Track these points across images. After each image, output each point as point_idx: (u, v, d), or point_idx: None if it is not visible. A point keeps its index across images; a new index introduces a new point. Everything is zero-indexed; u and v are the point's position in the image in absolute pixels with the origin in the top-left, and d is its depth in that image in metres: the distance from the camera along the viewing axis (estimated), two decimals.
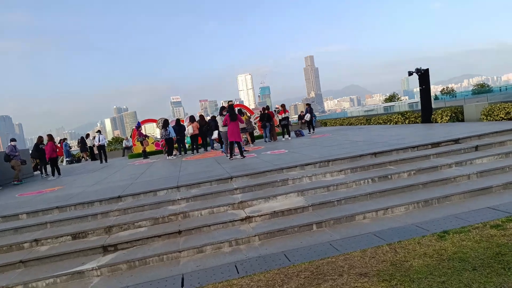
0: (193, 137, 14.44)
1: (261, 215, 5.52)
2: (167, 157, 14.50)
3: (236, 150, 11.26)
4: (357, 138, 11.70)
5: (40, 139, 13.39)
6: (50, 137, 11.53)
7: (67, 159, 19.73)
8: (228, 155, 10.85)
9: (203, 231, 5.32)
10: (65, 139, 21.86)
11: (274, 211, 5.56)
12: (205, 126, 14.41)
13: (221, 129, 10.78)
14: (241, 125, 10.71)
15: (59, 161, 19.08)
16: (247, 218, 5.48)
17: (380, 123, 18.37)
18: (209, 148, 15.05)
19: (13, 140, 11.61)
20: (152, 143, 18.37)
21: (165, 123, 13.81)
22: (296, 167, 7.25)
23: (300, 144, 12.07)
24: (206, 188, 6.66)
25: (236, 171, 7.52)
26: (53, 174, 11.82)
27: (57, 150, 11.79)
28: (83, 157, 20.79)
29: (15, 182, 11.06)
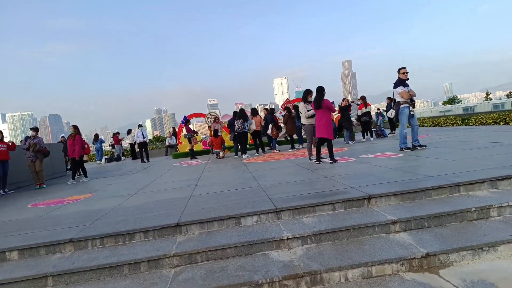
0: (254, 134, 11.57)
1: None
2: (217, 157, 11.81)
3: (324, 150, 8.17)
4: (494, 138, 8.12)
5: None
6: (76, 129, 9.07)
7: (106, 157, 17.82)
8: (313, 157, 7.80)
9: None
10: (117, 133, 19.96)
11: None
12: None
13: (304, 121, 7.77)
14: (309, 121, 7.60)
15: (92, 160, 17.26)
16: None
17: (488, 124, 14.30)
18: (266, 149, 12.03)
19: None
20: (200, 141, 15.84)
21: (242, 113, 11.08)
22: (482, 182, 4.01)
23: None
24: (329, 217, 3.65)
25: (361, 184, 4.44)
26: (73, 177, 9.17)
27: (86, 146, 9.37)
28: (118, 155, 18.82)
29: (36, 187, 8.80)
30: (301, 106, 7.77)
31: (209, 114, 16.36)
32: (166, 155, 18.39)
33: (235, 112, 12.03)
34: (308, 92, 7.78)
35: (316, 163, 7.24)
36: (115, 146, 18.95)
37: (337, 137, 12.30)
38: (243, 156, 11.20)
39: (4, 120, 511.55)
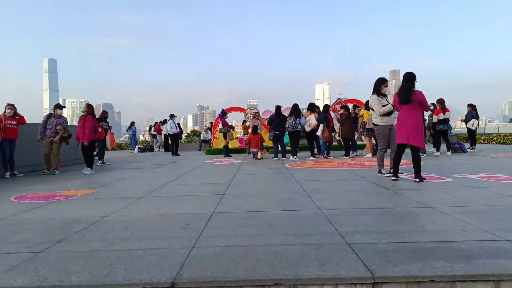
0: (310, 134, 9.64)
1: None
2: (254, 157, 10.09)
3: (406, 162, 6.09)
4: None
5: (104, 114, 10.14)
6: (90, 108, 7.64)
7: (139, 146, 16.90)
8: (385, 170, 5.74)
9: None
10: (162, 122, 17.05)
11: None
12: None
13: (377, 120, 5.72)
14: (383, 120, 5.51)
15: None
16: None
17: None
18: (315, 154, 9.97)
19: None
20: (237, 138, 14.23)
21: (296, 109, 9.48)
22: None
23: None
24: None
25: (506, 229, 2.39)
26: (89, 165, 7.48)
27: (100, 130, 7.99)
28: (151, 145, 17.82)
29: (46, 171, 7.63)
30: (373, 99, 5.71)
31: (249, 109, 14.72)
32: (200, 149, 17.07)
33: (277, 107, 10.21)
34: (382, 81, 5.71)
35: (393, 179, 5.17)
36: (157, 135, 18.02)
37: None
38: (292, 158, 9.47)
39: (64, 105, 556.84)
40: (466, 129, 11.81)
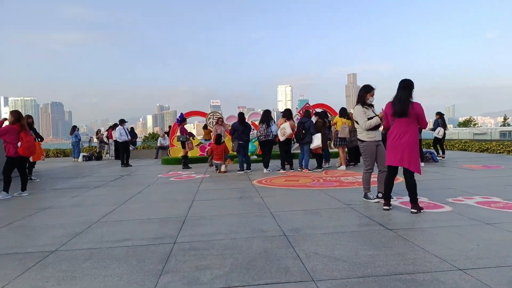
0: (284, 143, 8.68)
1: None
2: (217, 170, 8.98)
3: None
4: None
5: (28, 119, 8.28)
6: (16, 115, 5.97)
7: (84, 154, 14.82)
8: (371, 195, 4.89)
9: None
10: (114, 125, 14.28)
11: None
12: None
13: (362, 135, 4.81)
14: (370, 136, 4.75)
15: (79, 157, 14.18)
16: None
17: None
18: (286, 166, 9.01)
19: None
20: (197, 145, 12.87)
21: (267, 115, 8.80)
22: None
23: None
24: None
25: None
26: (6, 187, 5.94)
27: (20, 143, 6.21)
28: (98, 153, 15.78)
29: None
30: (358, 110, 4.80)
31: (211, 114, 13.43)
32: (156, 157, 15.42)
33: (240, 114, 9.15)
34: (367, 90, 4.82)
35: (385, 209, 4.30)
36: (109, 140, 15.89)
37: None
38: (265, 170, 8.53)
39: (6, 104, 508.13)
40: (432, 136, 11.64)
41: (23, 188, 6.14)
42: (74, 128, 14.89)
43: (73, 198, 5.80)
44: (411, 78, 4.10)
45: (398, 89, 4.12)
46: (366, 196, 4.91)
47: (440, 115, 11.28)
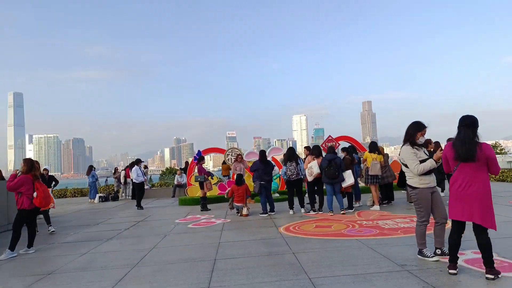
0: (315, 182, 7.97)
1: None
2: (238, 213, 8.33)
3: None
4: None
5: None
6: (30, 163, 5.61)
7: (101, 194, 14.47)
8: (427, 252, 4.08)
9: None
10: (132, 163, 12.66)
11: None
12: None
13: (413, 180, 4.06)
14: (423, 182, 3.97)
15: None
16: None
17: None
18: (307, 205, 8.22)
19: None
20: (216, 183, 12.26)
21: (293, 152, 8.30)
22: None
23: None
24: None
25: None
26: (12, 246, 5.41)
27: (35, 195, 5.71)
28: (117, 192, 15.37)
29: None
30: (406, 152, 4.10)
31: (229, 150, 12.91)
32: (173, 196, 14.89)
33: (262, 152, 8.57)
34: (418, 127, 4.12)
35: (451, 273, 3.47)
36: (127, 180, 15.50)
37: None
38: (302, 211, 8.06)
39: (31, 141, 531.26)
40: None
41: (30, 245, 5.62)
42: (91, 168, 14.68)
43: (81, 256, 5.21)
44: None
45: (459, 128, 3.44)
46: (421, 253, 4.08)
47: (436, 144, 10.31)
